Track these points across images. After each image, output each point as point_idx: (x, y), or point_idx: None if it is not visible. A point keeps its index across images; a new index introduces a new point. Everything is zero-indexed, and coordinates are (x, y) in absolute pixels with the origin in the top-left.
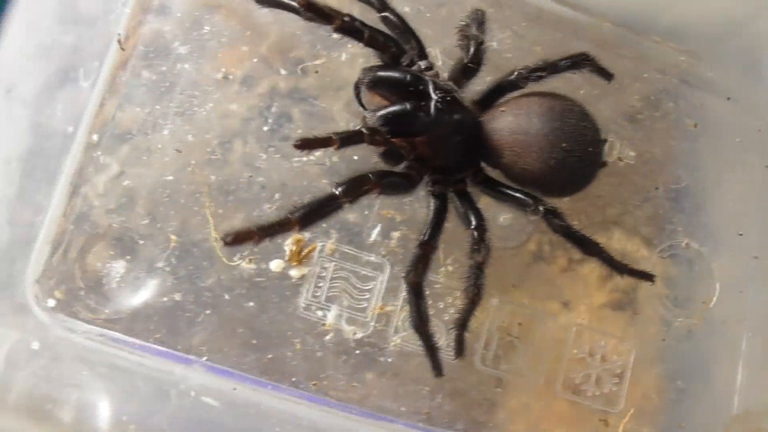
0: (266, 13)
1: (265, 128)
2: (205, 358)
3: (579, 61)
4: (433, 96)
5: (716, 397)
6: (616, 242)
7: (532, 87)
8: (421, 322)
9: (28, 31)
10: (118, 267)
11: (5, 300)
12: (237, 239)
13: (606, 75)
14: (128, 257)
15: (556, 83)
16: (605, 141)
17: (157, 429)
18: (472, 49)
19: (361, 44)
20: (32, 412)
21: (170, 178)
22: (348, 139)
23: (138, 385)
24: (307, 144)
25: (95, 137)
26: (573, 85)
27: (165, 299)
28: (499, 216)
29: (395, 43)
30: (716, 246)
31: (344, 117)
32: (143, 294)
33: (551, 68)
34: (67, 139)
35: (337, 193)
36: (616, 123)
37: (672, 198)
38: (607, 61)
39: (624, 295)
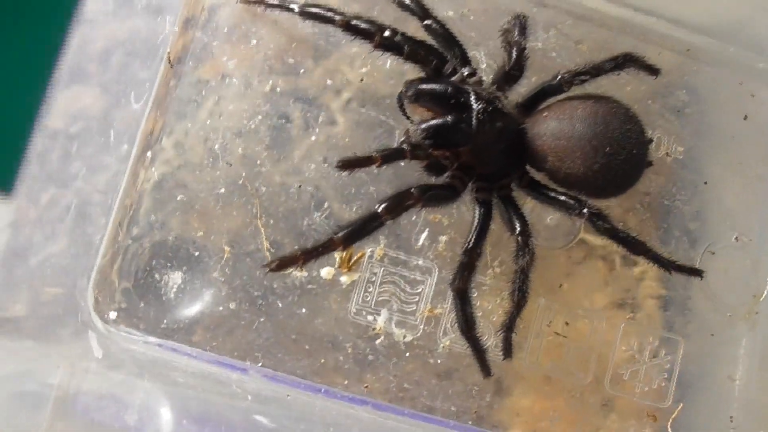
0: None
1: (313, 138)
2: (260, 364)
3: (624, 62)
4: (475, 106)
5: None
6: (663, 239)
7: (576, 89)
8: (467, 327)
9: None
10: (175, 278)
11: (69, 313)
12: (282, 265)
13: (652, 71)
14: (184, 268)
15: (602, 81)
16: (651, 141)
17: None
18: (514, 55)
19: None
20: (97, 420)
21: (222, 191)
22: (389, 156)
23: (197, 392)
24: (349, 164)
25: (149, 154)
26: (619, 82)
27: (221, 308)
28: (546, 217)
29: (436, 53)
30: (766, 239)
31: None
32: (200, 304)
33: (595, 71)
34: (122, 156)
35: (379, 211)
36: (664, 118)
37: (721, 193)
38: (653, 57)
39: (672, 292)
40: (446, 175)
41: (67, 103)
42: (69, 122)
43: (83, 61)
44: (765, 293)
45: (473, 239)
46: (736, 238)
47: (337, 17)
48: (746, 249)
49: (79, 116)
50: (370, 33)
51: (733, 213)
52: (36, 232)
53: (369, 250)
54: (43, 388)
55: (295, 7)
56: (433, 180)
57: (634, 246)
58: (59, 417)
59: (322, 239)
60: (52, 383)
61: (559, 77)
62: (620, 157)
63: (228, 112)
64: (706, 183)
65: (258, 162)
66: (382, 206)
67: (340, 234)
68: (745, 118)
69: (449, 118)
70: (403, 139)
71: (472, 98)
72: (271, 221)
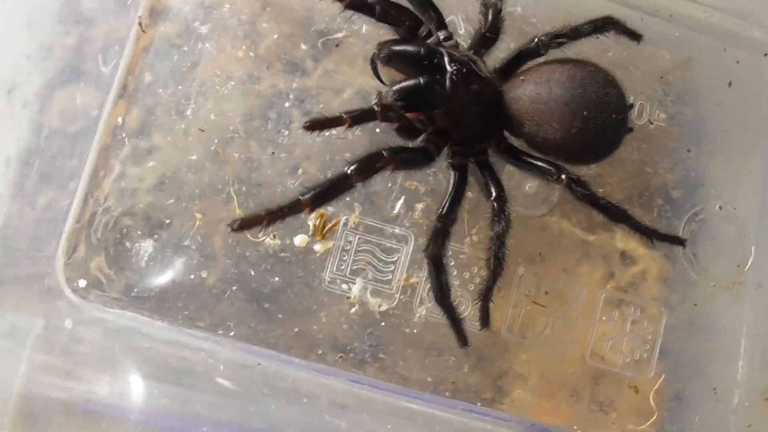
0: None
1: (287, 104)
2: (232, 333)
3: (603, 25)
4: (449, 68)
5: (750, 362)
6: (646, 206)
7: (555, 53)
8: (443, 295)
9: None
10: (146, 246)
11: (37, 281)
12: (244, 225)
13: (634, 36)
14: (156, 236)
15: (582, 47)
16: (631, 106)
17: (188, 402)
18: (490, 18)
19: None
20: (68, 389)
21: (194, 157)
22: (359, 117)
23: (168, 361)
24: (317, 124)
25: (119, 119)
26: (600, 47)
27: (192, 276)
28: (525, 184)
29: (411, 15)
30: (752, 208)
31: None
32: (171, 272)
33: (573, 33)
34: (93, 120)
35: (349, 172)
36: (647, 85)
37: (705, 160)
38: (635, 22)
39: (654, 262)
40: (420, 138)
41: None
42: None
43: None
44: (750, 262)
45: (447, 205)
46: (720, 206)
47: None
48: (730, 218)
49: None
50: None
51: (717, 181)
52: (3, 201)
53: (344, 218)
54: (12, 358)
55: None
56: (408, 144)
57: (615, 214)
58: (29, 389)
59: (288, 199)
60: (22, 354)
61: (536, 40)
62: (599, 121)
63: (200, 78)
64: (689, 150)
65: (231, 128)
66: (352, 167)
67: (307, 195)
68: (730, 84)
69: (422, 80)
70: (375, 100)
71: (447, 60)
72: (244, 188)
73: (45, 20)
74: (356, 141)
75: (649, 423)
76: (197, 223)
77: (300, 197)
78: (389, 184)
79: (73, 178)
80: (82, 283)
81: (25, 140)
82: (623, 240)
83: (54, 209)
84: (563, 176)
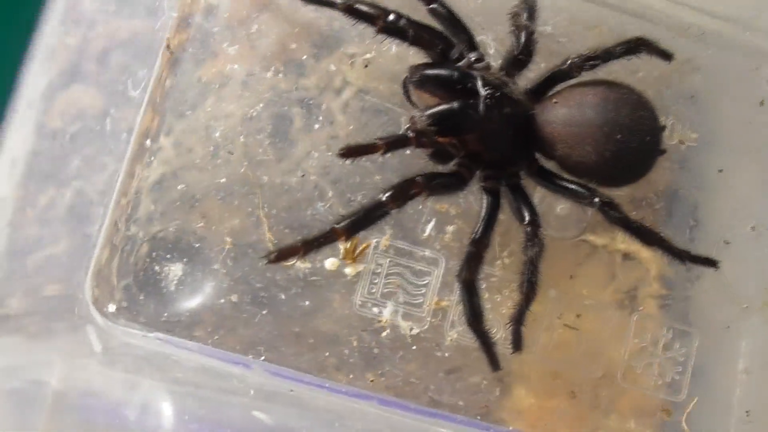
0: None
1: (316, 126)
2: (262, 359)
3: (636, 46)
4: (482, 92)
5: None
6: (677, 227)
7: (587, 75)
8: (475, 320)
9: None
10: (176, 270)
11: (68, 306)
12: (281, 256)
13: (665, 56)
14: (185, 260)
15: (613, 67)
16: (664, 128)
17: (217, 428)
18: (522, 40)
19: (406, 43)
20: (96, 415)
21: (223, 180)
22: (394, 143)
23: (198, 387)
24: (351, 152)
25: (148, 142)
26: (631, 68)
27: (222, 301)
28: (557, 206)
29: (442, 37)
30: None
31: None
32: (201, 296)
33: (605, 55)
34: (121, 144)
35: (384, 200)
36: (678, 104)
37: (737, 180)
38: (666, 41)
39: (686, 284)
40: (453, 162)
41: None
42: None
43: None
44: None
45: (481, 229)
46: (753, 227)
47: (339, 0)
48: (762, 238)
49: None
50: (374, 17)
51: (748, 201)
52: (34, 229)
53: (374, 241)
54: (41, 385)
55: None
56: (439, 168)
57: (647, 236)
58: (57, 414)
59: (323, 229)
60: (50, 380)
61: (569, 62)
62: (632, 144)
63: (229, 99)
64: (720, 171)
65: (260, 151)
66: (387, 195)
67: (342, 224)
68: (762, 104)
69: (456, 104)
70: (408, 126)
71: (480, 83)
72: (274, 212)
73: (49, 20)
74: (385, 162)
75: None
76: (227, 246)
77: (335, 226)
78: (419, 207)
79: (103, 204)
80: (112, 307)
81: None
82: (654, 260)
83: (84, 234)
84: (596, 199)
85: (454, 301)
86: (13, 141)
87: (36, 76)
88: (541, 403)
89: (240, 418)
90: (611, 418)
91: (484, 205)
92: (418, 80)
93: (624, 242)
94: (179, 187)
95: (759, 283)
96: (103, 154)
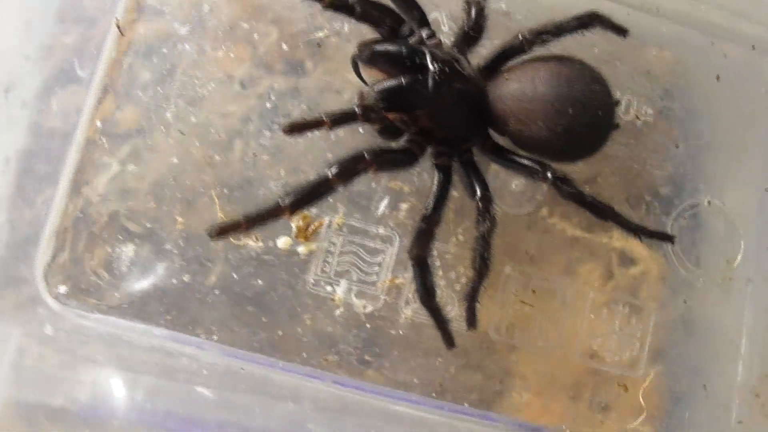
0: None
1: (268, 105)
2: (215, 338)
3: (588, 20)
4: (432, 67)
5: (743, 358)
6: (634, 203)
7: (540, 50)
8: (428, 296)
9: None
10: (127, 251)
11: (17, 289)
12: (223, 231)
13: (620, 31)
14: (136, 241)
15: (567, 43)
16: (617, 102)
17: (170, 407)
18: (473, 15)
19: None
20: (49, 395)
21: (175, 160)
22: (340, 119)
23: (151, 366)
24: (296, 128)
25: (98, 123)
26: (586, 43)
27: (174, 281)
28: (511, 183)
29: (393, 14)
30: (740, 203)
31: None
32: (153, 277)
33: (558, 29)
34: (71, 126)
35: (330, 175)
36: (634, 80)
37: (693, 155)
38: (622, 17)
39: (643, 259)
40: (403, 139)
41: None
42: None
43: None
44: (739, 258)
45: (431, 205)
46: (709, 202)
47: None
48: (719, 213)
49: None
50: None
51: (705, 176)
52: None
53: (327, 219)
54: None
55: None
56: (389, 144)
57: (602, 211)
58: (10, 396)
59: (268, 204)
60: (2, 361)
61: (520, 37)
62: (584, 119)
63: (180, 80)
64: (677, 146)
65: (212, 130)
66: (333, 170)
67: (287, 199)
68: (718, 78)
69: (404, 79)
70: (356, 101)
71: (429, 59)
72: (225, 191)
73: (43, 19)
74: (340, 141)
75: (638, 422)
76: (178, 227)
77: (279, 201)
78: (373, 185)
79: (51, 183)
80: (63, 289)
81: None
82: (613, 238)
83: (34, 214)
84: (549, 174)
85: (408, 278)
86: None
87: None
88: (501, 377)
89: (192, 397)
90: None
91: (436, 181)
92: (367, 56)
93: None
94: (130, 168)
95: (717, 258)
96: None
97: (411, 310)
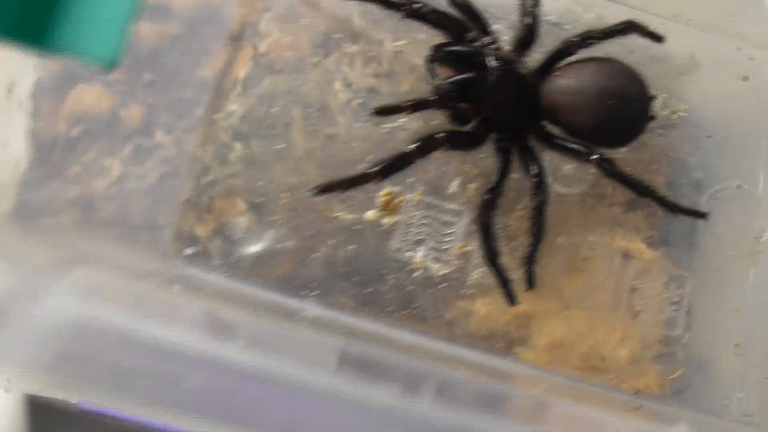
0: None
1: (355, 102)
2: (316, 293)
3: (626, 27)
4: (494, 66)
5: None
6: (669, 186)
7: (585, 53)
8: (492, 258)
9: None
10: (243, 221)
11: (150, 250)
12: (325, 189)
13: (656, 38)
14: (251, 212)
15: (610, 48)
16: (653, 97)
17: (281, 348)
18: (528, 23)
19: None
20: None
21: (282, 146)
22: (419, 105)
23: (263, 318)
24: (382, 111)
25: (221, 114)
26: (626, 49)
27: (279, 246)
28: (562, 167)
29: (460, 23)
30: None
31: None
32: (263, 243)
33: (599, 35)
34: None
35: (410, 149)
36: (670, 81)
37: (722, 145)
38: (658, 24)
39: (680, 234)
40: (470, 125)
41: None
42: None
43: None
44: (766, 235)
45: (495, 180)
46: (738, 185)
47: None
48: (747, 195)
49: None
50: (399, 5)
51: (735, 163)
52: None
53: (408, 196)
54: None
55: None
56: (459, 129)
57: (641, 189)
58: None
59: (360, 172)
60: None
61: (567, 42)
62: (624, 110)
63: (284, 76)
64: (708, 137)
65: (310, 121)
66: (414, 145)
67: (377, 167)
68: (744, 79)
69: (471, 75)
70: (432, 91)
71: (492, 60)
72: (322, 171)
73: None
74: (418, 132)
75: (674, 376)
76: (283, 201)
77: (370, 170)
78: (444, 168)
79: (183, 163)
80: (189, 251)
81: None
82: (650, 215)
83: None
84: (594, 156)
85: (476, 246)
86: None
87: None
88: (555, 331)
89: (297, 341)
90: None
91: (498, 162)
92: (440, 56)
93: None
94: (245, 152)
95: (745, 234)
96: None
97: (478, 273)
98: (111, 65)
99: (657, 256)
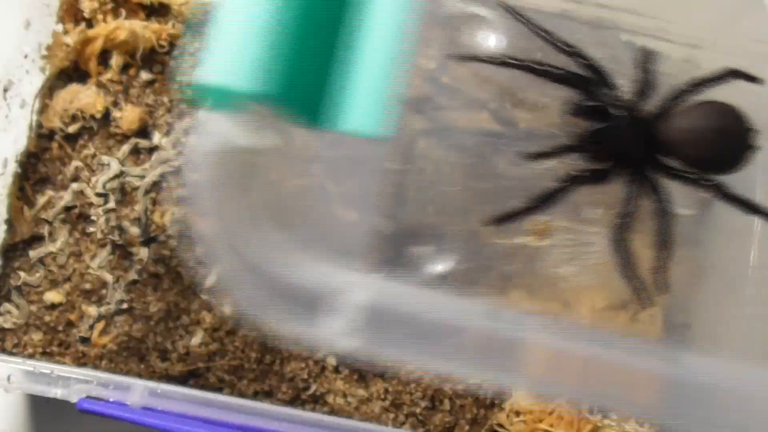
0: None
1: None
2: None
3: (727, 74)
4: (621, 115)
5: None
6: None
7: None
8: (627, 268)
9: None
10: (428, 250)
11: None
12: (495, 221)
13: (755, 80)
14: (432, 245)
15: (714, 91)
16: (755, 131)
17: None
18: (645, 77)
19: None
20: None
21: (453, 188)
22: (565, 150)
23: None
24: (535, 157)
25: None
26: (730, 92)
27: (461, 267)
28: (679, 191)
29: (590, 81)
30: None
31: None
32: (444, 265)
33: (704, 82)
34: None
35: (558, 186)
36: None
37: None
38: (759, 70)
39: None
40: (603, 164)
41: None
42: None
43: None
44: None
45: (626, 205)
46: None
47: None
48: None
49: None
50: (530, 67)
51: None
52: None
53: (554, 222)
54: None
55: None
56: (593, 166)
57: (750, 207)
58: None
59: (521, 205)
60: None
61: (680, 88)
62: (732, 143)
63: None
64: None
65: (468, 162)
66: (562, 182)
67: (534, 200)
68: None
69: (604, 123)
70: (573, 138)
71: (619, 111)
72: (482, 205)
73: (43, 18)
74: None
75: None
76: (456, 232)
77: (531, 204)
78: (584, 197)
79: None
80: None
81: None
82: None
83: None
84: (708, 182)
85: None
86: None
87: None
88: None
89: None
90: None
91: (627, 191)
92: (571, 108)
93: None
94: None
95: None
96: None
97: None
98: (379, 137)
99: None
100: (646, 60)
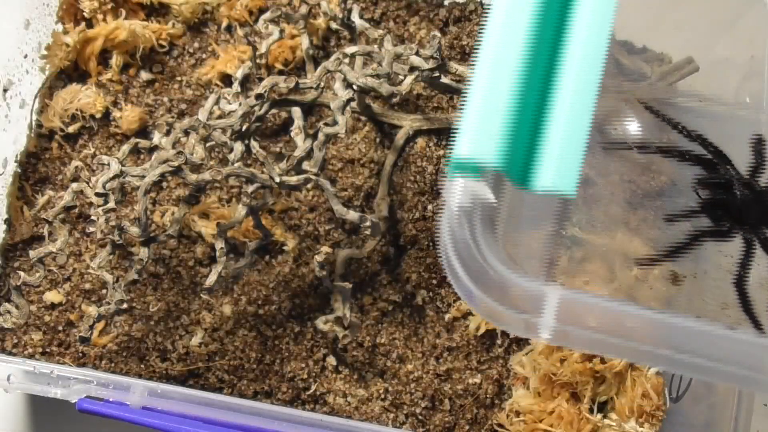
0: None
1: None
2: None
3: None
4: (740, 188)
5: None
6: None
7: None
8: (746, 306)
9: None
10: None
11: None
12: (648, 261)
13: None
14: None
15: None
16: None
17: None
18: (759, 158)
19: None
20: None
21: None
22: (695, 213)
23: None
24: (673, 218)
25: None
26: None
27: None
28: None
29: (711, 161)
30: None
31: None
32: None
33: None
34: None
35: (688, 240)
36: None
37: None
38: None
39: None
40: (725, 225)
41: None
42: None
43: None
44: None
45: (744, 258)
46: None
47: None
48: None
49: None
50: (681, 154)
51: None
52: None
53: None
54: None
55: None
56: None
57: None
58: None
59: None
60: None
61: None
62: None
63: None
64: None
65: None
66: (691, 238)
67: (668, 252)
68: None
69: (727, 196)
70: (703, 206)
71: (738, 184)
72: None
73: (43, 18)
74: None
75: None
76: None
77: (661, 255)
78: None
79: None
80: None
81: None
82: None
83: None
84: None
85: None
86: None
87: None
88: None
89: None
90: None
91: (745, 246)
92: (703, 184)
93: None
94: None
95: None
96: None
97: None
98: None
99: None
100: (758, 144)
